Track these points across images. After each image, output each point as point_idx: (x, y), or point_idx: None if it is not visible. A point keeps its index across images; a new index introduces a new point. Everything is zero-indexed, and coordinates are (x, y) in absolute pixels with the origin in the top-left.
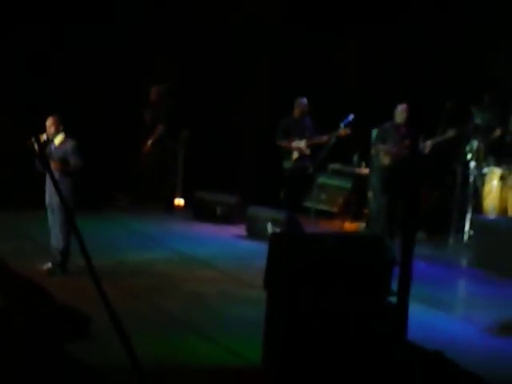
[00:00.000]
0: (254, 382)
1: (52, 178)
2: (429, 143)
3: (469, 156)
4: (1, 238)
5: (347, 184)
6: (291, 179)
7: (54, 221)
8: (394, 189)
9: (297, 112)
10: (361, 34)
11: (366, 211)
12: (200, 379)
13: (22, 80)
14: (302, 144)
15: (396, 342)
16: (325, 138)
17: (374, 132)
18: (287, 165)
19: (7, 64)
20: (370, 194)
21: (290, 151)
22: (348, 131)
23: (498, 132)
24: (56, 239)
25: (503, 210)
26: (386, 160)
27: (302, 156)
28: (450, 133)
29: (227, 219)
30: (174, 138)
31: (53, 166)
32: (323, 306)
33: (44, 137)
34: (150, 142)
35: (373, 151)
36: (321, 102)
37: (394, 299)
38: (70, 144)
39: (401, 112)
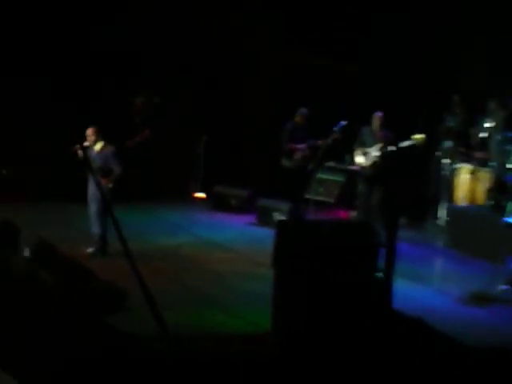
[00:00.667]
0: (266, 344)
1: (94, 176)
2: (401, 145)
3: (442, 154)
4: (51, 227)
5: (341, 178)
6: (294, 176)
7: (94, 211)
8: (373, 183)
9: (298, 119)
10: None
11: (356, 201)
12: (220, 344)
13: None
14: (303, 146)
15: (383, 311)
16: (321, 142)
17: None
18: (288, 163)
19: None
20: (360, 187)
21: (292, 152)
22: (340, 135)
23: (473, 135)
24: (95, 227)
25: (472, 200)
26: (360, 159)
27: (302, 156)
28: (417, 136)
29: (241, 209)
30: (195, 141)
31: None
32: (321, 281)
33: (85, 144)
34: (135, 140)
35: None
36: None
37: (380, 275)
38: (110, 150)
39: (377, 119)
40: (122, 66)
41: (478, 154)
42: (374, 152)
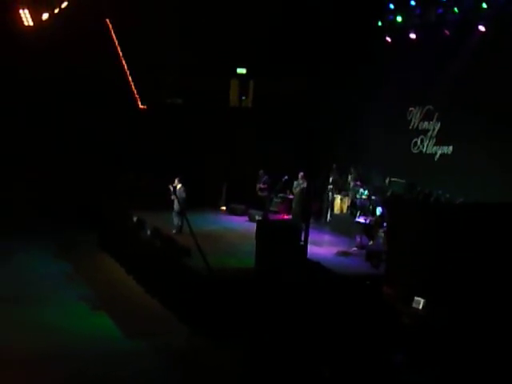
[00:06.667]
0: (251, 273)
1: (177, 198)
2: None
3: (329, 188)
4: (160, 222)
5: (283, 200)
6: (264, 199)
7: (175, 213)
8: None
9: (260, 172)
10: None
11: (291, 211)
12: (232, 272)
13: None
14: (262, 186)
15: (302, 259)
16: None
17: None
18: (260, 193)
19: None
20: (293, 204)
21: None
22: (283, 182)
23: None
24: (176, 220)
25: (341, 211)
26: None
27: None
28: (318, 180)
29: (241, 214)
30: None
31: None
32: (273, 245)
33: (174, 184)
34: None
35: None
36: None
37: (301, 243)
38: (182, 188)
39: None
40: None
41: (344, 192)
42: (298, 188)
